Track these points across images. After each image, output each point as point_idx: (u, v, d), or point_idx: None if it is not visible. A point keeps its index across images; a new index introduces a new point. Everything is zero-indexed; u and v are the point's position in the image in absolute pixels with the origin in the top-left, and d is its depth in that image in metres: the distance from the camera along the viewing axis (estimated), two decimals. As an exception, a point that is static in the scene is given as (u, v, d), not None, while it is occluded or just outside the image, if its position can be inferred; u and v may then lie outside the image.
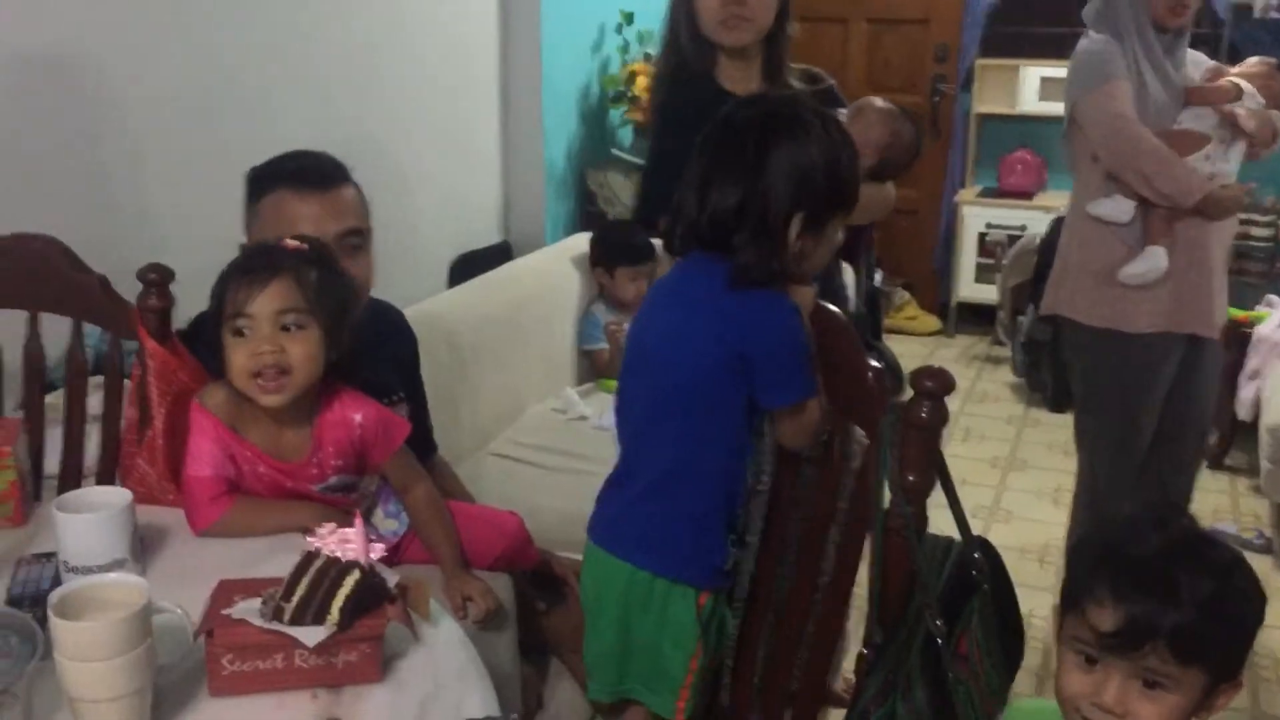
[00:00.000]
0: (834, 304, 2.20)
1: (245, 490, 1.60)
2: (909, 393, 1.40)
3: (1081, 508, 3.00)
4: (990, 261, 5.09)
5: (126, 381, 1.80)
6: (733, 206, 1.49)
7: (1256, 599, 1.18)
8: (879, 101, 2.29)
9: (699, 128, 1.74)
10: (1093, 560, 1.20)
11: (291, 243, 1.62)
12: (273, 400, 1.55)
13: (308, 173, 1.78)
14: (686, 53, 2.22)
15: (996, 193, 5.26)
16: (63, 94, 2.39)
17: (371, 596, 1.25)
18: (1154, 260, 2.58)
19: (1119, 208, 2.59)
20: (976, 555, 1.37)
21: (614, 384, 1.87)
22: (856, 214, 2.24)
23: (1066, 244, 2.78)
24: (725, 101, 2.10)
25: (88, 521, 1.39)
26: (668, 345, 1.56)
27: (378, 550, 1.30)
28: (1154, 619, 1.12)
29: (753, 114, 1.57)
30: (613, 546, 1.60)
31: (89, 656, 1.11)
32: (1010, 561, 1.43)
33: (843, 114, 2.26)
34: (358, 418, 1.63)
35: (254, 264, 1.56)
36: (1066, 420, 4.36)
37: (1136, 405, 2.74)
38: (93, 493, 1.49)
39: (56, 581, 1.38)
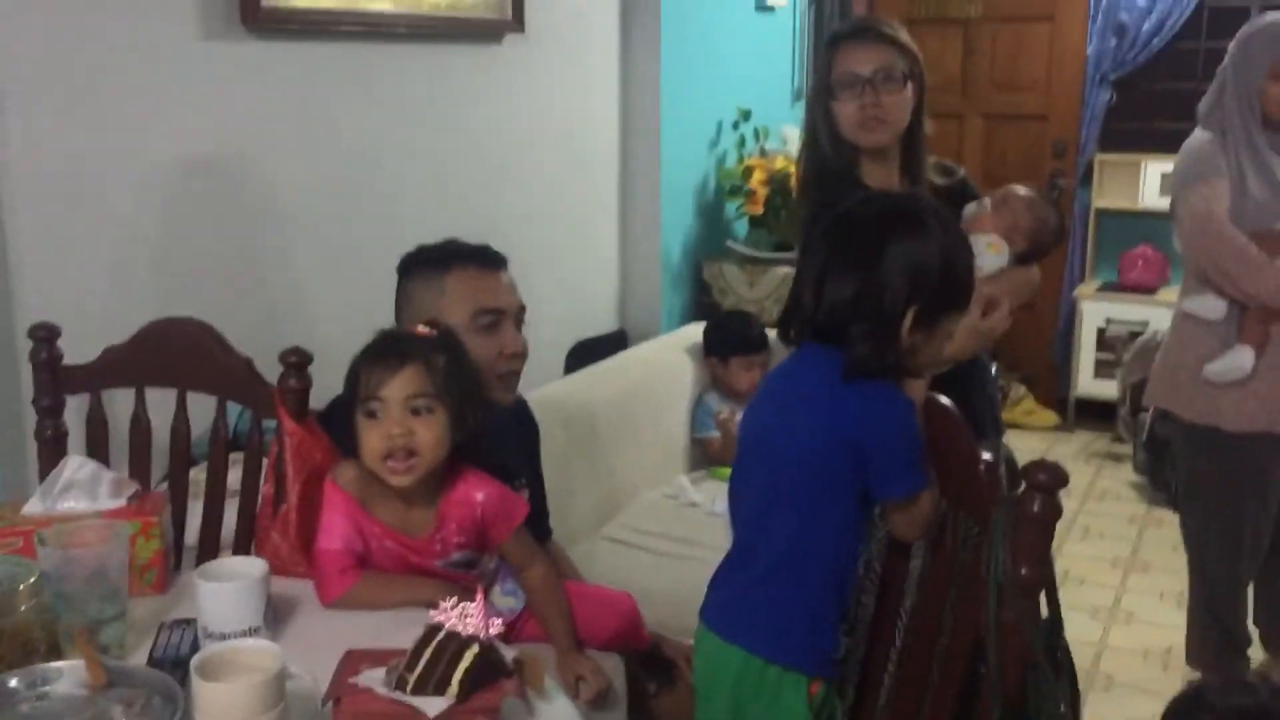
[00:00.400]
0: (977, 388, 2.22)
1: (372, 564, 1.67)
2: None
3: (1195, 613, 2.92)
4: (1110, 357, 5.01)
5: (264, 458, 1.90)
6: (849, 298, 1.52)
7: None
8: (1021, 189, 2.31)
9: None
10: (1196, 703, 1.22)
11: (422, 329, 1.71)
12: (402, 481, 1.63)
13: (488, 254, 1.95)
14: (827, 155, 2.26)
15: (1116, 287, 5.19)
16: (218, 193, 2.56)
17: (490, 670, 1.29)
18: (1238, 359, 2.56)
19: (1209, 305, 2.60)
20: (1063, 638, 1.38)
21: (725, 471, 1.90)
22: (1021, 296, 2.28)
23: (1169, 337, 2.79)
24: None
25: (226, 590, 1.47)
26: (782, 434, 1.60)
27: (497, 626, 1.35)
28: None
29: (872, 210, 1.61)
30: (726, 631, 1.62)
31: (228, 717, 1.18)
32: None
33: (983, 204, 2.28)
34: (480, 496, 1.69)
35: (386, 350, 1.65)
36: (1190, 521, 4.25)
37: (1238, 507, 2.68)
38: (230, 563, 1.57)
39: (195, 646, 1.46)
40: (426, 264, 1.95)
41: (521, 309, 1.97)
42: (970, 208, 2.27)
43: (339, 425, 1.70)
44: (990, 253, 2.20)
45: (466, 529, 1.70)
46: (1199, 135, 2.65)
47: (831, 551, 1.58)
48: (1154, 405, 2.84)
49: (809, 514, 1.57)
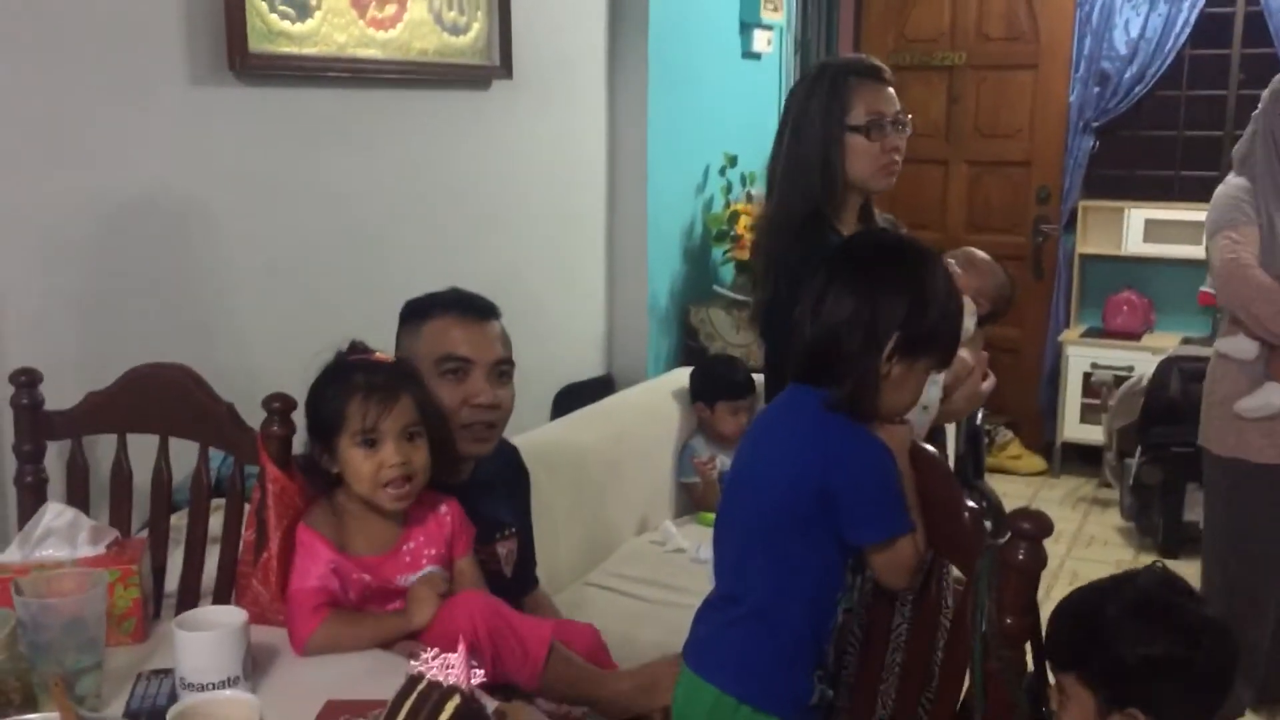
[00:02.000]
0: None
1: (348, 605, 1.68)
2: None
3: None
4: (1095, 402, 5.02)
5: (246, 505, 1.88)
6: (845, 318, 1.52)
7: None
8: (981, 253, 2.31)
9: None
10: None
11: (382, 355, 1.78)
12: (400, 505, 1.70)
13: (470, 304, 1.96)
14: (821, 199, 2.19)
15: (1101, 333, 5.21)
16: (204, 239, 2.56)
17: (471, 722, 1.28)
18: (1269, 396, 2.64)
19: (1241, 346, 2.67)
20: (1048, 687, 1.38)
21: (710, 517, 1.90)
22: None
23: (1206, 378, 2.87)
24: None
25: (205, 640, 1.45)
26: (760, 475, 1.60)
27: (478, 676, 1.33)
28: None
29: (882, 240, 1.66)
30: (701, 668, 1.61)
31: (204, 770, 1.16)
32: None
33: (948, 264, 2.28)
34: (444, 508, 1.77)
35: (378, 383, 1.69)
36: (1177, 566, 4.20)
37: (1266, 539, 2.70)
38: (210, 612, 1.55)
39: (173, 697, 1.44)
40: (418, 308, 1.97)
41: (501, 361, 1.95)
42: None
43: (311, 465, 1.71)
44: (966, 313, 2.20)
45: (435, 541, 1.75)
46: (1230, 182, 2.72)
47: (809, 596, 1.57)
48: (1198, 444, 2.89)
49: (785, 558, 1.56)
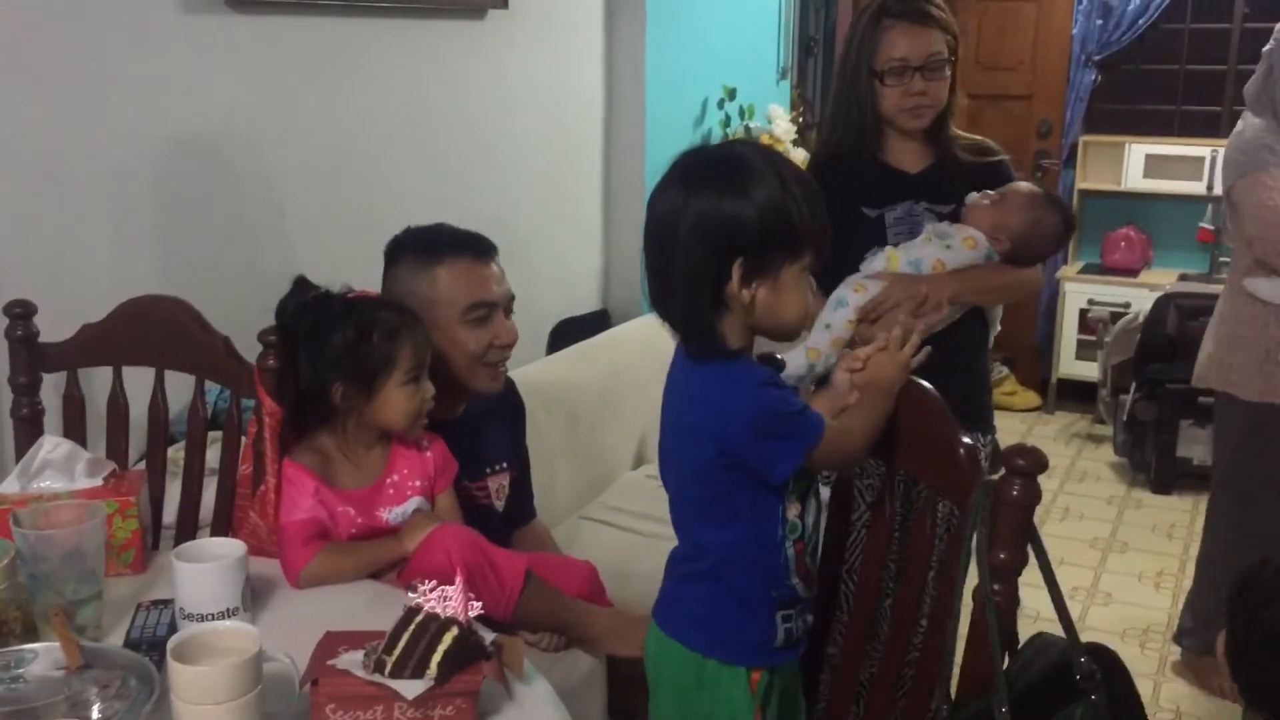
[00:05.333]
0: (962, 375, 2.15)
1: (337, 537, 1.69)
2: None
3: (1201, 599, 2.92)
4: (1091, 338, 5.02)
5: (243, 438, 1.89)
6: (682, 267, 1.41)
7: None
8: (1026, 187, 2.25)
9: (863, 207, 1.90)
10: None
11: (373, 292, 1.82)
12: (420, 429, 1.78)
13: (481, 244, 1.95)
14: (856, 134, 2.23)
15: (1099, 269, 5.20)
16: (198, 171, 2.53)
17: (469, 653, 1.29)
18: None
19: (1277, 289, 2.59)
20: (1083, 660, 1.32)
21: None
22: (992, 296, 2.25)
23: (1219, 318, 2.78)
24: (895, 179, 2.20)
25: (204, 571, 1.46)
26: (670, 435, 1.58)
27: (476, 608, 1.35)
28: None
29: (677, 168, 1.46)
30: (665, 625, 1.59)
31: (204, 700, 1.17)
32: (1110, 644, 1.42)
33: (987, 195, 2.23)
34: (426, 442, 1.80)
35: (409, 320, 1.76)
36: (1170, 502, 4.28)
37: None
38: (209, 543, 1.56)
39: (172, 627, 1.45)
40: (417, 252, 1.92)
41: (510, 298, 1.96)
42: (971, 197, 2.23)
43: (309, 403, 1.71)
44: (964, 247, 2.17)
45: (419, 473, 1.78)
46: (1250, 121, 2.64)
47: (747, 546, 1.52)
48: (1209, 386, 2.79)
49: (715, 519, 1.52)
